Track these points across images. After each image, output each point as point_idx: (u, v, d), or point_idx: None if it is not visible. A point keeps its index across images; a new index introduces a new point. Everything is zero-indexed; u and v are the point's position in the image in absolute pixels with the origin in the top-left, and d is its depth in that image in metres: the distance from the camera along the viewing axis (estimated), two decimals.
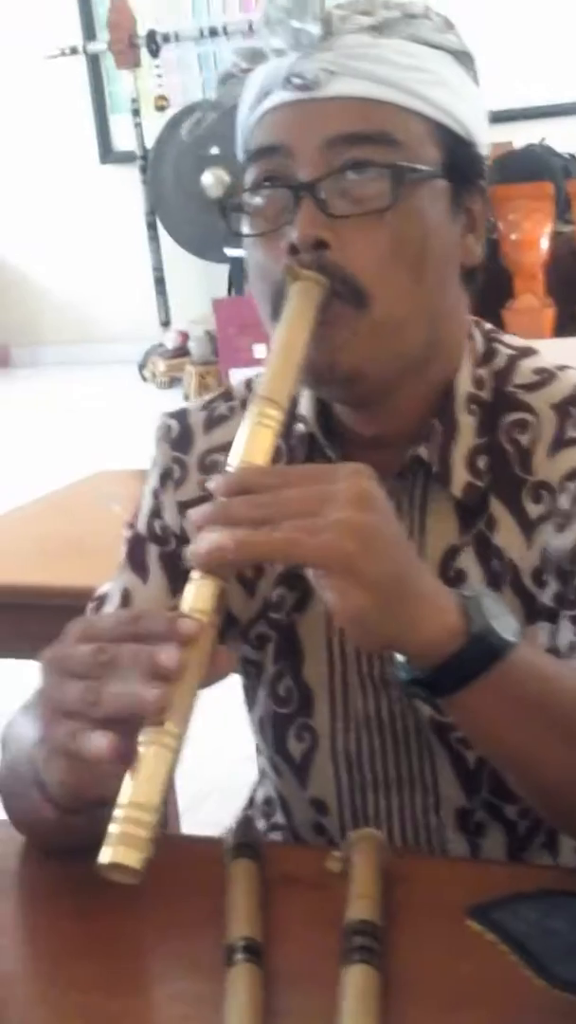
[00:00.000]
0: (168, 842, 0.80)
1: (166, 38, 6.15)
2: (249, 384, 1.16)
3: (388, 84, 0.97)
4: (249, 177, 1.02)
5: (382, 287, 0.97)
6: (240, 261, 5.62)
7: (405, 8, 1.00)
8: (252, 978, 0.84)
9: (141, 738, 0.77)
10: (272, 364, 0.93)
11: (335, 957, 0.85)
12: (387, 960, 0.84)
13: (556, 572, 1.01)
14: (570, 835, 1.06)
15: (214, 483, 0.86)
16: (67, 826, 0.93)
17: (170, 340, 5.98)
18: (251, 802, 1.27)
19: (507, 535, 1.03)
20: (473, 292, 1.06)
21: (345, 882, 0.93)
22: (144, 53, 6.22)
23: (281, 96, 0.99)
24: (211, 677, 0.81)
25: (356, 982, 0.82)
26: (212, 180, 5.83)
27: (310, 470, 0.89)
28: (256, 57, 1.03)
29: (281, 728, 1.11)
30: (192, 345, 5.72)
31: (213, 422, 1.14)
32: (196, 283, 6.23)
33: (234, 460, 0.89)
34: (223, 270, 5.90)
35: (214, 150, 5.76)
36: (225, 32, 6.05)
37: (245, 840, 0.99)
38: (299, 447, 1.08)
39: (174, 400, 5.60)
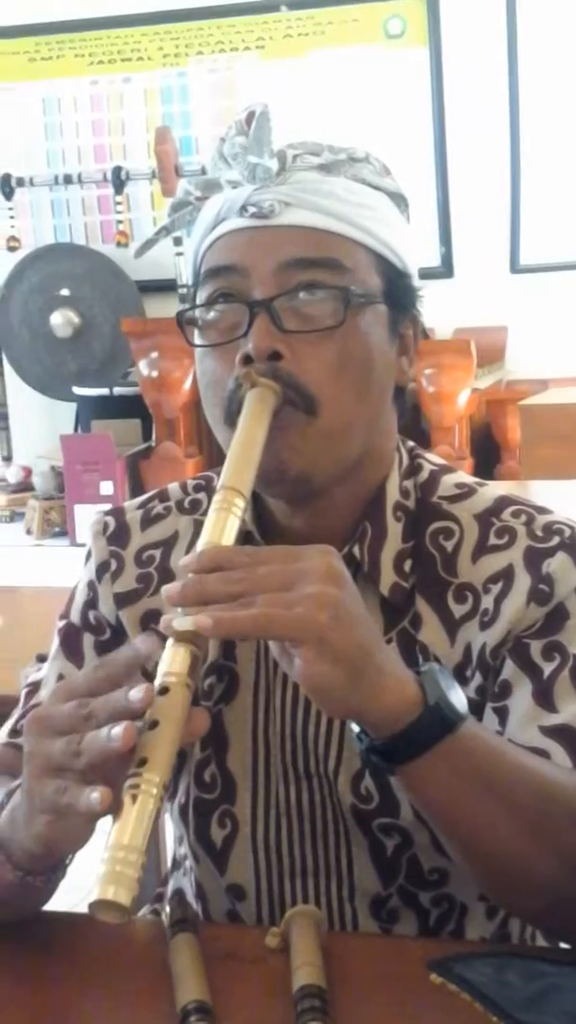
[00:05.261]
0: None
1: (20, 182, 6.28)
2: (184, 487, 1.23)
3: (336, 217, 1.07)
4: (203, 294, 1.10)
5: (331, 396, 1.05)
6: (88, 399, 5.71)
7: (350, 152, 1.11)
8: None
9: (125, 786, 0.82)
10: (234, 458, 1.00)
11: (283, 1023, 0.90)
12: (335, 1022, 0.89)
13: (480, 667, 1.09)
14: (507, 909, 1.12)
15: (185, 561, 0.92)
16: (25, 888, 0.96)
17: (12, 475, 5.98)
18: (159, 897, 1.29)
19: (431, 633, 1.10)
20: (400, 410, 1.16)
21: (284, 957, 0.98)
22: None
23: (237, 223, 1.08)
24: (188, 735, 0.87)
25: None
26: (61, 320, 5.91)
27: (281, 549, 0.94)
28: (211, 188, 1.12)
29: (204, 814, 1.15)
30: (37, 480, 5.72)
31: (149, 521, 1.21)
32: (41, 419, 6.27)
33: (202, 542, 0.95)
34: (68, 407, 5.95)
35: (64, 291, 5.87)
36: (80, 180, 6.20)
37: (184, 916, 1.03)
38: (236, 543, 1.14)
39: (15, 534, 5.57)
